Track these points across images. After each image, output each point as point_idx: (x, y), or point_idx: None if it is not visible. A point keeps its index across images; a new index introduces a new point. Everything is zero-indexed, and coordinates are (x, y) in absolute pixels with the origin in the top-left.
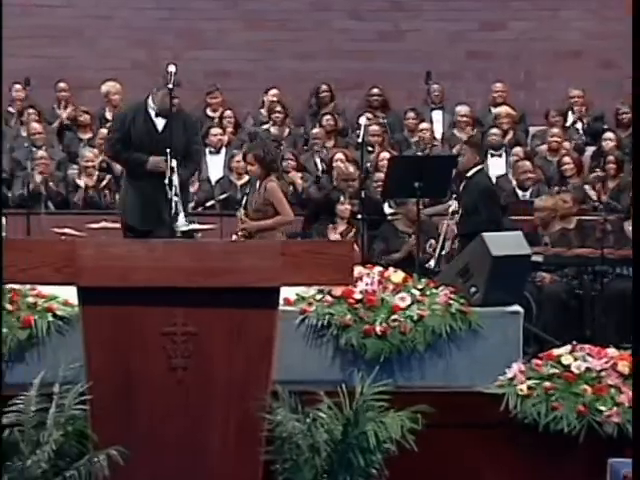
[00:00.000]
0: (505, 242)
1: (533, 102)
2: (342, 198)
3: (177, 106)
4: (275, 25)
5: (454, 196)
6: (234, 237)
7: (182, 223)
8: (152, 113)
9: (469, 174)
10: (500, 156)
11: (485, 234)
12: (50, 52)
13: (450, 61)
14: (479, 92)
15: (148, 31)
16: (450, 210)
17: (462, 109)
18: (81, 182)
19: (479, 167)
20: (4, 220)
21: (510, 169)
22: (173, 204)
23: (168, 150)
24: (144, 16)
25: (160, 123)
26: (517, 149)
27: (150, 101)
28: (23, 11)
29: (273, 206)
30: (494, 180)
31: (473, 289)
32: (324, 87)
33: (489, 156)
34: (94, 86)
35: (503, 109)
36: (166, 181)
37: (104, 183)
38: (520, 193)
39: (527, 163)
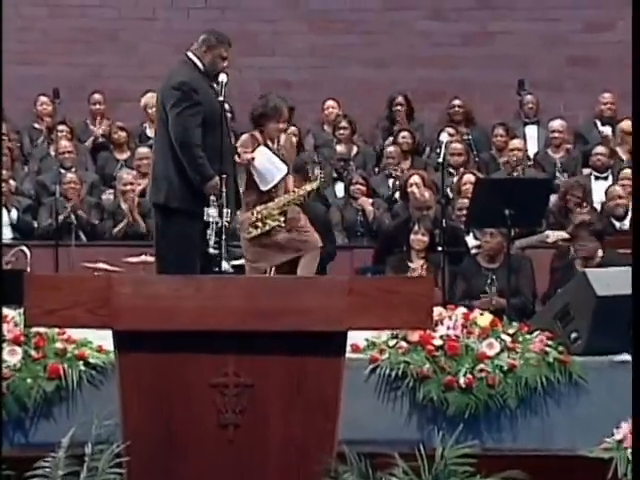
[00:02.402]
0: (611, 279)
1: None
2: (417, 227)
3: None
4: (343, 27)
5: None
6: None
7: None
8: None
9: None
10: (606, 179)
11: (589, 270)
12: (81, 59)
13: (547, 68)
14: (582, 104)
15: (194, 34)
16: (549, 241)
17: (556, 124)
18: (125, 208)
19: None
20: (28, 253)
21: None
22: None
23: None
24: (190, 17)
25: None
26: (626, 171)
27: (197, 62)
28: (51, 12)
29: None
30: (598, 207)
31: (574, 335)
32: (399, 99)
33: (592, 179)
34: (132, 98)
35: (625, 124)
36: (209, 216)
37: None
38: (617, 224)
39: (617, 188)
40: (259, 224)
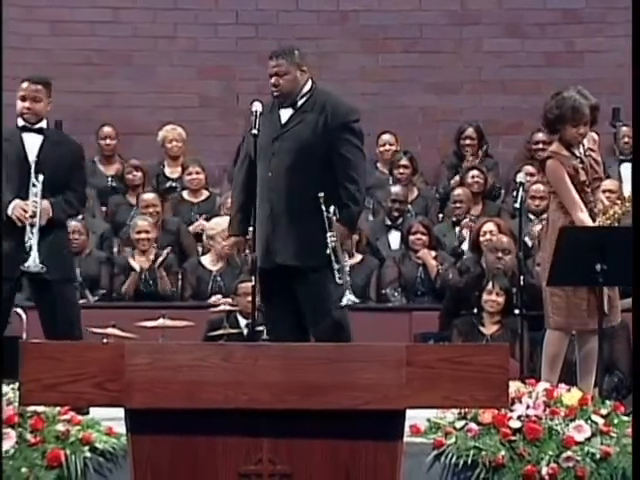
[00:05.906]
0: None
1: None
2: (490, 285)
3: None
4: (401, 45)
5: None
6: None
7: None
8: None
9: None
10: None
11: None
12: (89, 86)
13: None
14: None
15: (223, 56)
16: None
17: None
18: (135, 264)
19: None
20: (24, 316)
21: None
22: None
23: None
24: (218, 35)
25: (285, 114)
26: None
27: None
28: (52, 29)
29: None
30: None
31: None
32: (469, 131)
33: None
34: (148, 132)
35: None
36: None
37: (159, 263)
38: None
39: None
40: None
